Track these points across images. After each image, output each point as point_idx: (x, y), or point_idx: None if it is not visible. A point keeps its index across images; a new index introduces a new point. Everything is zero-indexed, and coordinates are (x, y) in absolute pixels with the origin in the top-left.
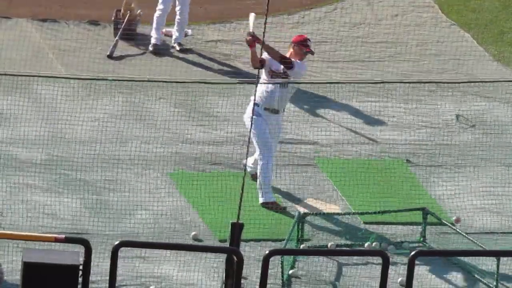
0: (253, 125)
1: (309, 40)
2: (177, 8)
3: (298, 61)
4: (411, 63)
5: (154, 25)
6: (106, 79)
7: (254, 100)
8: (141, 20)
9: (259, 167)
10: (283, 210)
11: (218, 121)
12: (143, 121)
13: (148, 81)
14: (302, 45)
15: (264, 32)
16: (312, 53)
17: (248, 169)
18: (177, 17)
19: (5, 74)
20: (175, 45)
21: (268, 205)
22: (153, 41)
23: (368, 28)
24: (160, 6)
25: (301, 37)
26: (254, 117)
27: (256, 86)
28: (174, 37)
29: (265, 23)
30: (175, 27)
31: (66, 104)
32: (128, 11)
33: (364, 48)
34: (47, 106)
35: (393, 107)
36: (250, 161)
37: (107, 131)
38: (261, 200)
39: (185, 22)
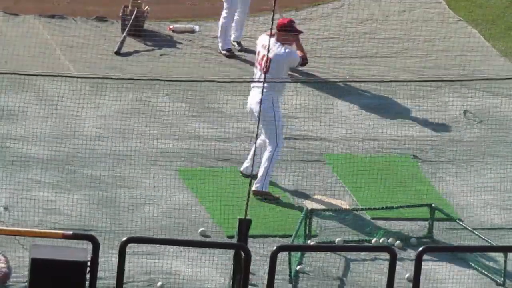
0: (276, 115)
1: (293, 22)
2: (238, 9)
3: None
4: (418, 59)
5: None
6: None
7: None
8: (149, 16)
9: (268, 154)
10: (277, 200)
11: (226, 117)
12: (150, 117)
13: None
14: (290, 29)
15: (271, 29)
16: (300, 31)
17: (241, 168)
18: (236, 17)
19: (11, 73)
20: (235, 43)
21: (262, 194)
22: (225, 46)
23: (376, 24)
24: (225, 11)
25: (285, 20)
26: (276, 107)
27: (264, 83)
28: (233, 37)
29: (272, 20)
30: (234, 27)
31: (73, 101)
32: (136, 7)
33: (371, 44)
34: (54, 103)
35: (400, 103)
36: (246, 162)
37: (115, 127)
38: (256, 187)
39: (243, 22)
